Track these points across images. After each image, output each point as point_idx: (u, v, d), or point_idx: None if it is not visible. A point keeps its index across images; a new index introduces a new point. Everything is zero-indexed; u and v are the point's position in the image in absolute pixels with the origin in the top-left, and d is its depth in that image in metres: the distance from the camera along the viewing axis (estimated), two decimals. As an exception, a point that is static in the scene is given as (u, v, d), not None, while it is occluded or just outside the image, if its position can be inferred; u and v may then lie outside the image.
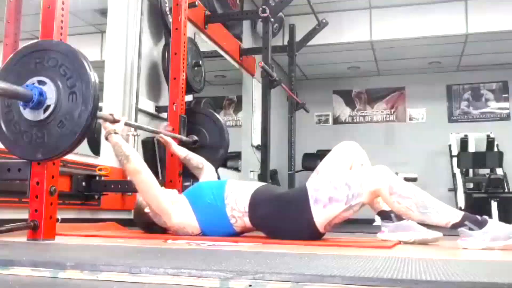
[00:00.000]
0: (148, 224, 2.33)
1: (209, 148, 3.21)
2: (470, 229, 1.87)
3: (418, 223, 2.09)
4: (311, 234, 2.04)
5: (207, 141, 3.25)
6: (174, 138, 2.93)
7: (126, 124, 2.36)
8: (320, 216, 2.01)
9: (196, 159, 2.79)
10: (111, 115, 2.16)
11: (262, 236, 2.23)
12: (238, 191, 2.22)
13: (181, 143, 3.01)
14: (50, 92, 1.72)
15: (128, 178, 2.27)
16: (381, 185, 1.95)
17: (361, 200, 1.98)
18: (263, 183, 2.35)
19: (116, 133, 2.15)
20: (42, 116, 1.72)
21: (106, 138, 2.17)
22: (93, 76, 1.71)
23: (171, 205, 2.21)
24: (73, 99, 1.69)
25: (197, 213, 2.23)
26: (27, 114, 1.75)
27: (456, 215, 1.91)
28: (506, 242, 1.83)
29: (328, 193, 2.00)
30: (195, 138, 3.21)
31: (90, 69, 1.72)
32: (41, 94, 1.71)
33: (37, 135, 1.74)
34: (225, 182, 2.30)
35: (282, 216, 2.09)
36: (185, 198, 2.30)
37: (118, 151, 2.13)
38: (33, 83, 1.73)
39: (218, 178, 3.73)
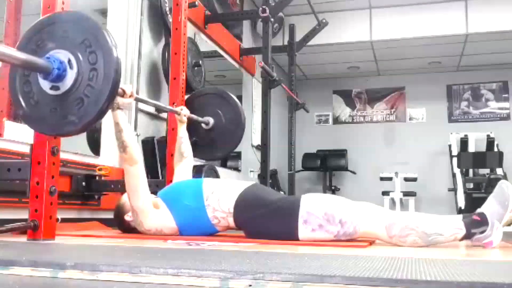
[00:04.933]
0: (128, 230, 2.28)
1: (225, 129, 3.17)
2: (482, 232, 1.88)
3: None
4: (291, 240, 2.02)
5: (223, 123, 3.19)
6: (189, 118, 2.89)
7: (137, 99, 2.30)
8: (305, 235, 1.99)
9: (186, 146, 2.73)
10: (122, 90, 2.04)
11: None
12: (220, 192, 2.17)
13: (194, 122, 2.98)
14: (71, 65, 1.62)
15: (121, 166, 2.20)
16: (377, 230, 1.95)
17: (352, 237, 1.99)
18: (251, 183, 2.28)
19: (121, 108, 2.05)
20: (62, 90, 1.62)
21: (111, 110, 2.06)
22: (116, 52, 1.61)
23: (152, 208, 2.16)
24: (93, 75, 1.60)
25: (175, 215, 2.17)
26: (46, 87, 1.64)
27: (459, 228, 1.90)
28: (509, 212, 1.87)
29: (319, 221, 1.97)
30: (211, 120, 3.17)
31: (113, 44, 1.62)
32: (61, 67, 1.61)
33: (55, 109, 1.64)
34: (201, 182, 2.25)
35: (268, 223, 2.05)
36: (160, 199, 2.24)
37: (119, 134, 2.05)
38: (53, 55, 1.63)
39: (217, 175, 3.71)
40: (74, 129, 1.63)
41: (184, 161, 2.69)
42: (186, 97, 3.21)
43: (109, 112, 1.95)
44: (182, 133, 2.78)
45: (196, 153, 2.88)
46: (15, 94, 1.70)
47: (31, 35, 1.71)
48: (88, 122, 1.60)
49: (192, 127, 2.97)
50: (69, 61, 1.61)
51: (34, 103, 1.67)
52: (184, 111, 2.80)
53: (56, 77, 1.60)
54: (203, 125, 3.13)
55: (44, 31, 1.69)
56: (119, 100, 2.02)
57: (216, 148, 3.22)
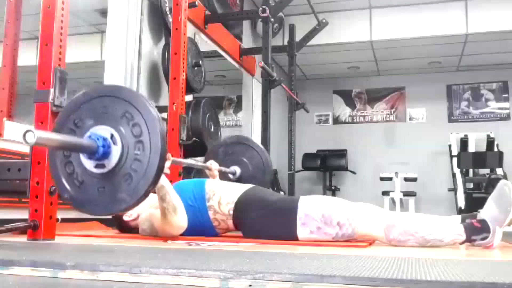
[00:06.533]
0: (126, 229, 2.29)
1: (252, 177, 3.11)
2: (483, 239, 1.87)
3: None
4: (291, 241, 2.02)
5: (250, 170, 3.15)
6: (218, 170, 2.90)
7: (174, 162, 2.28)
8: (304, 235, 2.00)
9: None
10: None
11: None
12: (221, 193, 2.17)
13: (223, 173, 2.98)
14: (114, 141, 1.52)
15: (161, 219, 2.06)
16: (376, 233, 1.96)
17: (350, 239, 1.99)
18: (251, 185, 2.30)
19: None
20: (108, 167, 1.52)
21: None
22: (160, 121, 1.53)
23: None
24: (139, 148, 1.51)
25: None
26: (91, 166, 1.54)
27: (459, 234, 1.89)
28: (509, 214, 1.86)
29: (317, 223, 1.98)
30: (238, 169, 3.13)
31: (156, 113, 1.53)
32: (105, 144, 1.52)
33: (103, 188, 1.54)
34: (204, 182, 2.25)
35: (267, 224, 2.06)
36: None
37: (165, 196, 1.99)
38: (95, 133, 1.54)
39: None
40: (126, 207, 1.55)
41: None
42: (209, 148, 3.17)
43: None
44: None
45: None
46: (58, 178, 1.59)
47: (68, 114, 1.61)
48: (139, 198, 1.51)
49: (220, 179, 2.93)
50: (112, 136, 1.52)
51: (79, 184, 1.56)
52: (214, 165, 2.80)
53: (102, 155, 1.51)
54: (230, 175, 3.08)
55: (80, 109, 1.59)
56: None
57: None
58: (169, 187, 2.01)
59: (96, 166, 1.52)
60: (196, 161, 2.91)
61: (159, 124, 1.50)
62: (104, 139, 1.51)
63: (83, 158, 1.54)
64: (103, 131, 1.52)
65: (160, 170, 1.49)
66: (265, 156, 3.21)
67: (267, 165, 3.18)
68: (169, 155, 2.07)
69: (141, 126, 1.51)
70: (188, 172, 3.66)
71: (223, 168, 2.97)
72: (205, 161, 2.93)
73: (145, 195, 1.51)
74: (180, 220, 2.02)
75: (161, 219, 2.04)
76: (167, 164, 2.08)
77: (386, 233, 1.93)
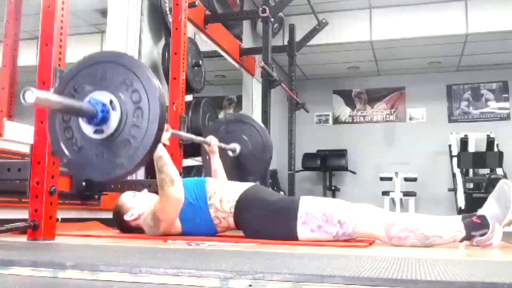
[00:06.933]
0: (127, 229, 2.29)
1: (252, 154, 3.12)
2: (482, 235, 1.88)
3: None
4: (291, 241, 2.02)
5: (250, 148, 3.14)
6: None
7: (173, 134, 2.28)
8: (304, 235, 2.00)
9: (215, 165, 2.77)
10: None
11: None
12: (222, 191, 2.18)
13: (221, 152, 2.97)
14: (113, 107, 1.53)
15: (159, 191, 2.10)
16: (377, 231, 1.96)
17: (351, 238, 2.00)
18: (252, 184, 2.29)
19: (162, 142, 2.03)
20: (106, 133, 1.53)
21: None
22: (160, 88, 1.54)
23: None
24: (138, 114, 1.51)
25: (180, 212, 2.17)
26: (90, 131, 1.54)
27: (459, 230, 1.90)
28: (509, 212, 1.86)
29: (318, 222, 1.98)
30: (237, 146, 3.12)
31: (156, 81, 1.54)
32: (104, 109, 1.52)
33: (102, 154, 1.55)
34: (205, 181, 2.25)
35: (267, 223, 2.06)
36: None
37: (163, 168, 2.01)
38: (94, 98, 1.54)
39: None
40: (124, 172, 1.55)
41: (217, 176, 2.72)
42: (210, 126, 3.16)
43: None
44: (216, 164, 2.77)
45: (228, 179, 2.87)
46: (56, 142, 1.60)
47: (68, 80, 1.61)
48: (137, 164, 1.51)
49: (220, 157, 2.92)
50: (111, 102, 1.52)
51: (78, 149, 1.57)
52: (213, 141, 2.79)
53: (101, 120, 1.51)
54: (229, 152, 3.08)
55: (80, 75, 1.59)
56: None
57: (246, 173, 3.14)
58: (168, 158, 2.03)
59: (95, 132, 1.53)
60: (195, 136, 2.90)
61: (158, 92, 1.51)
62: (103, 105, 1.52)
63: (82, 123, 1.54)
64: (102, 96, 1.53)
65: (158, 137, 1.51)
66: (265, 135, 3.21)
67: (267, 143, 3.18)
68: (168, 126, 2.09)
69: (141, 93, 1.51)
70: (189, 171, 3.66)
71: (222, 145, 2.96)
72: (205, 137, 2.93)
73: (143, 161, 1.52)
74: (177, 192, 2.04)
75: (159, 193, 2.06)
76: (167, 135, 2.09)
77: (386, 231, 1.93)
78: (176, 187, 2.04)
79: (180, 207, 2.09)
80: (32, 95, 1.30)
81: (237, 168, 3.07)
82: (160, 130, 1.51)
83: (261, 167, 3.20)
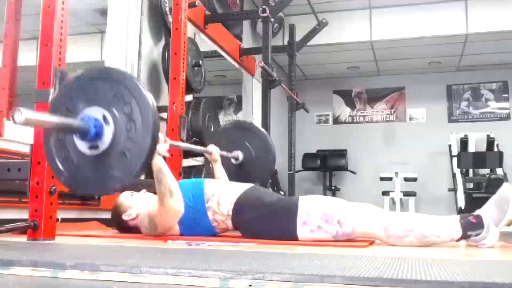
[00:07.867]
0: (125, 229, 2.29)
1: (256, 161, 3.10)
2: (477, 235, 1.89)
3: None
4: (291, 241, 2.02)
5: (253, 155, 3.13)
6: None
7: (172, 145, 2.26)
8: (304, 235, 2.00)
9: (218, 173, 2.76)
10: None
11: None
12: (220, 194, 2.17)
13: (224, 160, 2.96)
14: (106, 121, 1.53)
15: (158, 202, 2.07)
16: (375, 230, 1.96)
17: (350, 237, 2.00)
18: (250, 185, 2.29)
19: (160, 155, 2.02)
20: (101, 148, 1.53)
21: None
22: (151, 100, 1.54)
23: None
24: (131, 126, 1.52)
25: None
26: (85, 148, 1.55)
27: (455, 229, 1.91)
28: (508, 215, 1.88)
29: (318, 222, 1.99)
30: (240, 154, 3.11)
31: (147, 92, 1.54)
32: (96, 124, 1.53)
33: (98, 169, 1.55)
34: (203, 183, 2.25)
35: (267, 224, 2.06)
36: None
37: (162, 179, 2.00)
38: (88, 114, 1.55)
39: None
40: (120, 185, 1.56)
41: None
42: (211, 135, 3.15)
43: None
44: (219, 173, 2.76)
45: None
46: (54, 163, 1.60)
47: (61, 99, 1.63)
48: (133, 176, 1.52)
49: (223, 165, 2.90)
50: (104, 117, 1.53)
51: (75, 167, 1.58)
52: (214, 149, 2.78)
53: (94, 135, 1.52)
54: (232, 160, 3.07)
55: (72, 94, 1.61)
56: (157, 147, 1.92)
57: (251, 179, 3.07)
58: (167, 170, 2.02)
59: (90, 148, 1.54)
60: (195, 146, 2.88)
61: (150, 104, 1.51)
62: (96, 120, 1.52)
63: (76, 140, 1.55)
64: (95, 112, 1.54)
65: (153, 148, 1.51)
66: (267, 139, 3.19)
67: (270, 148, 3.15)
68: (166, 138, 2.07)
69: (133, 106, 1.52)
70: (188, 172, 3.66)
71: (224, 153, 2.95)
72: (206, 145, 2.92)
73: (139, 173, 1.53)
74: (177, 204, 2.02)
75: (158, 204, 2.04)
76: (165, 147, 2.06)
77: (385, 230, 1.94)
78: (175, 199, 2.02)
79: (178, 217, 2.07)
80: (21, 116, 1.30)
81: (241, 175, 3.01)
82: (154, 141, 1.51)
83: (265, 172, 3.19)
